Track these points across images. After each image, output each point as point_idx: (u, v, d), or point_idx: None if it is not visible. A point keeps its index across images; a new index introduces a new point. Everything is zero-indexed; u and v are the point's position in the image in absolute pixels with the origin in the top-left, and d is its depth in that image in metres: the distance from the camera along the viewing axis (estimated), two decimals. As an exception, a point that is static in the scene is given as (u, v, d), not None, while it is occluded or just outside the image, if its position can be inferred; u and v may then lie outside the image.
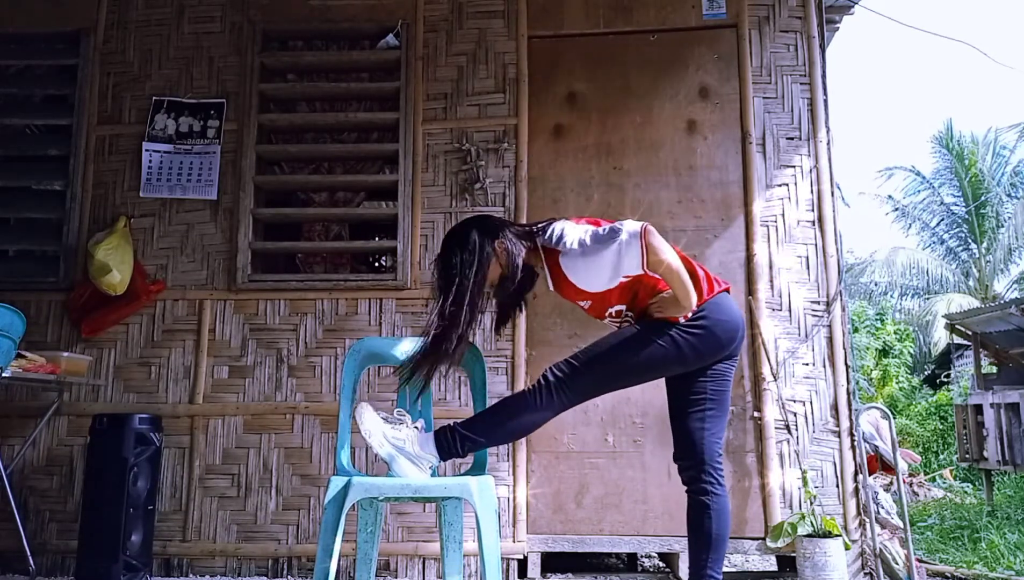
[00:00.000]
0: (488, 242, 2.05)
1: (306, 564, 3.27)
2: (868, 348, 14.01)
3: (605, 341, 2.07)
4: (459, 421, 2.06)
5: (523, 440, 3.32)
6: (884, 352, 14.14)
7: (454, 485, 1.95)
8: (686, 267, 2.01)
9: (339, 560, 3.27)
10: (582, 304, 2.15)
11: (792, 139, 3.52)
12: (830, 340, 3.35)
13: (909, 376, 14.42)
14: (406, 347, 2.39)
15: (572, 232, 2.01)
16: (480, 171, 3.53)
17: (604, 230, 1.97)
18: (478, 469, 2.24)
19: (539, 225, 2.12)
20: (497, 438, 2.14)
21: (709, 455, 2.06)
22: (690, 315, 2.02)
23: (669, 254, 1.94)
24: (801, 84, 3.55)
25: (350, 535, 3.24)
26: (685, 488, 2.10)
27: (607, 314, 2.15)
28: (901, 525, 3.32)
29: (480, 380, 2.31)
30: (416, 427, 2.03)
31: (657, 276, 1.99)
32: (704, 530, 2.03)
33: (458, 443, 2.00)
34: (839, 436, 3.28)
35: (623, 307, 2.12)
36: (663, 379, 2.17)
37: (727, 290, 2.14)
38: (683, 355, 2.03)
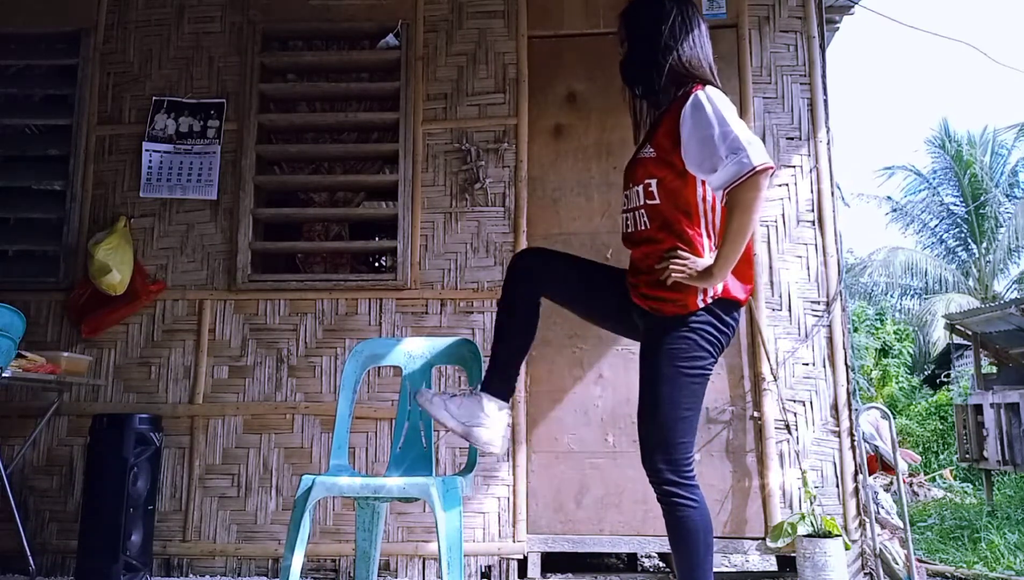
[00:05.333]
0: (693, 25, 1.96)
1: (306, 564, 3.27)
2: (868, 348, 14.01)
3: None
4: None
5: (523, 440, 3.33)
6: (884, 352, 14.14)
7: (412, 486, 1.96)
8: (747, 255, 1.86)
9: (340, 560, 3.28)
10: (647, 152, 1.93)
11: (792, 139, 3.52)
12: (830, 340, 3.35)
13: (909, 376, 14.42)
14: (408, 347, 2.40)
15: (723, 100, 1.85)
16: (480, 171, 3.53)
17: (745, 136, 1.77)
18: (468, 468, 2.24)
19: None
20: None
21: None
22: (710, 300, 1.83)
23: (756, 209, 1.75)
24: (801, 84, 3.55)
25: (350, 535, 3.25)
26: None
27: (637, 187, 1.94)
28: (901, 525, 3.32)
29: (478, 379, 2.30)
30: (477, 393, 2.00)
31: (699, 232, 1.86)
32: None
33: None
34: (839, 436, 3.28)
35: (642, 203, 1.92)
36: None
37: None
38: (715, 360, 1.89)
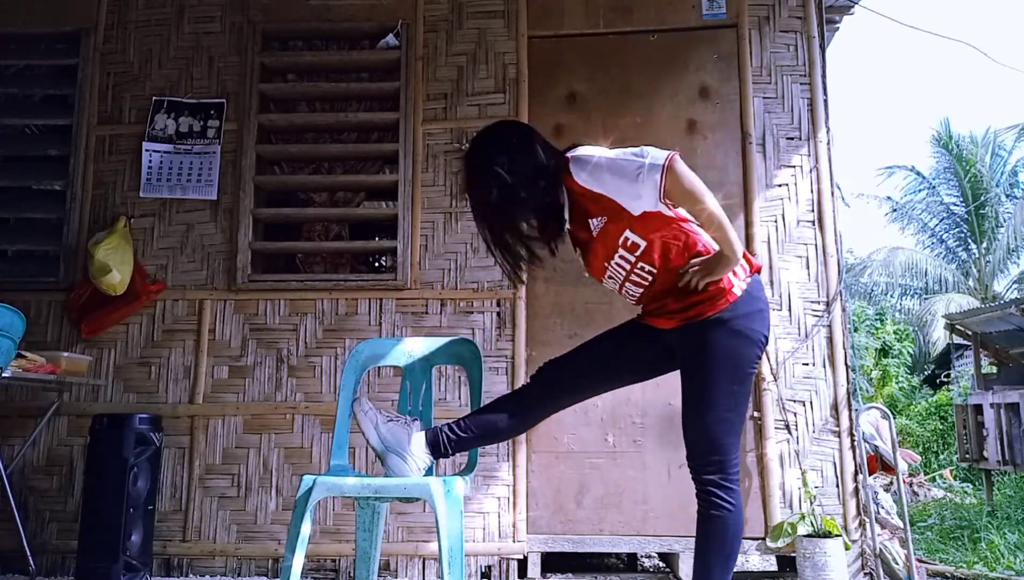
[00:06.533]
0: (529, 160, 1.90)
1: (306, 564, 3.27)
2: (868, 348, 14.01)
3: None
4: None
5: (523, 440, 3.33)
6: (884, 352, 14.14)
7: (414, 486, 1.95)
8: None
9: (340, 560, 3.28)
10: (598, 224, 1.89)
11: (792, 139, 3.52)
12: (830, 340, 3.35)
13: (909, 376, 14.43)
14: (408, 347, 2.40)
15: (593, 148, 1.88)
16: (480, 171, 3.52)
17: (633, 151, 1.81)
18: (469, 468, 2.24)
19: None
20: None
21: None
22: (744, 284, 1.85)
23: (698, 189, 1.76)
24: (801, 84, 3.55)
25: (350, 535, 3.25)
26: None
27: (616, 256, 1.90)
28: (901, 525, 3.32)
29: (477, 380, 2.30)
30: (409, 425, 2.03)
31: (685, 221, 1.87)
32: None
33: None
34: (839, 436, 3.28)
35: (634, 258, 1.89)
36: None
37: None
38: (760, 356, 1.89)
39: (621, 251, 1.89)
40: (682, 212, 1.90)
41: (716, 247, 1.86)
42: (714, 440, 1.84)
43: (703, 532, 1.86)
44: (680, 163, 1.77)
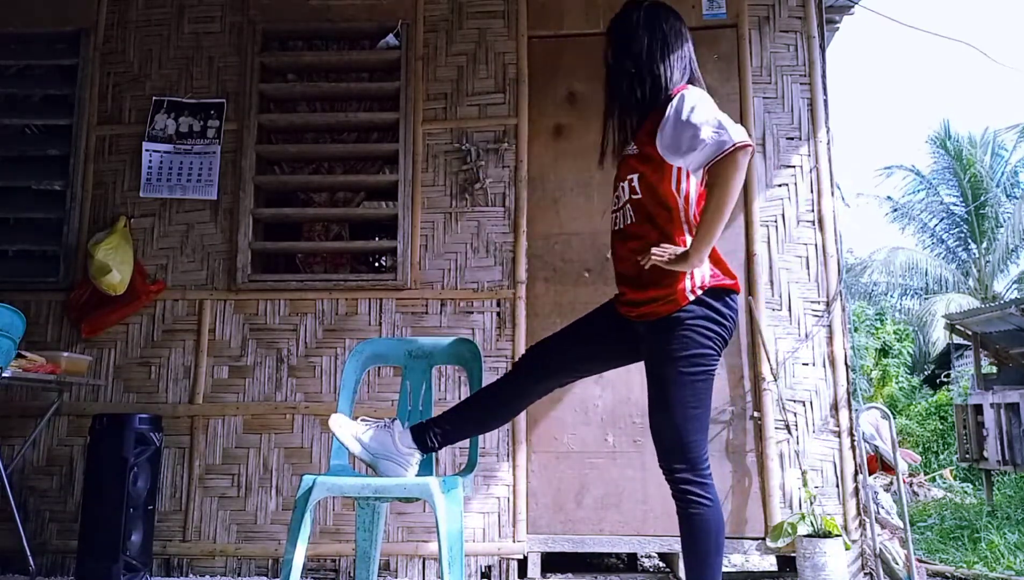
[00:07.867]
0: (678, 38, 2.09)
1: (306, 564, 3.27)
2: (868, 348, 14.00)
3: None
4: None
5: (523, 440, 3.33)
6: (884, 352, 14.13)
7: (414, 486, 1.96)
8: (715, 255, 1.91)
9: (340, 560, 3.28)
10: (631, 150, 1.99)
11: (792, 139, 3.52)
12: (830, 340, 3.35)
13: (909, 376, 14.42)
14: (408, 347, 2.40)
15: (702, 99, 1.89)
16: (480, 171, 3.53)
17: (725, 119, 1.84)
18: (469, 468, 2.24)
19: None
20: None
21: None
22: (699, 291, 1.86)
23: (735, 185, 1.78)
24: (801, 84, 3.55)
25: (350, 535, 3.25)
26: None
27: (622, 184, 2.00)
28: (901, 525, 3.32)
29: (477, 380, 2.31)
30: (390, 426, 2.03)
31: (685, 231, 1.90)
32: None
33: None
34: (839, 436, 3.28)
35: (627, 199, 1.97)
36: None
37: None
38: (718, 355, 1.91)
39: (624, 185, 1.99)
40: (680, 206, 1.92)
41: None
42: (683, 437, 1.85)
43: (686, 532, 1.87)
44: (744, 158, 1.79)
